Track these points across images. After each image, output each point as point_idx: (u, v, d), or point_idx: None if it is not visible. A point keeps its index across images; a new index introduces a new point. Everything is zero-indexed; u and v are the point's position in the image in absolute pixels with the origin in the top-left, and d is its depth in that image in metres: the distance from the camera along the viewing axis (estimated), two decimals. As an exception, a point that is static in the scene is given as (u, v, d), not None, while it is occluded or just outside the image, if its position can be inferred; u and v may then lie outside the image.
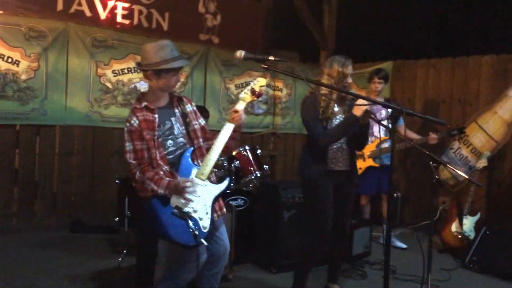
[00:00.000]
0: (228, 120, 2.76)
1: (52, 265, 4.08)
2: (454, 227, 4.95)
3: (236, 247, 3.91)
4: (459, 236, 4.88)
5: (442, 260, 4.72)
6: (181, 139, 2.79)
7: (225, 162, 4.43)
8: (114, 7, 5.62)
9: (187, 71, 6.07)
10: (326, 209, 3.34)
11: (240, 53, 2.48)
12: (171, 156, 2.74)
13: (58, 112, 5.22)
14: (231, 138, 2.74)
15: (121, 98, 5.62)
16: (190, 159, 2.72)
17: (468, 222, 4.91)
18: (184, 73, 6.03)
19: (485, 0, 8.17)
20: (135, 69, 5.55)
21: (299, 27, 7.11)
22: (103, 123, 5.54)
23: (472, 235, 4.81)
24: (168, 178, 2.62)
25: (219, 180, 2.81)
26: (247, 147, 4.55)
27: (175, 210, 2.61)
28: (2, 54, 4.87)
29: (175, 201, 2.62)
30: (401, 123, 4.93)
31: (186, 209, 2.62)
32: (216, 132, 2.77)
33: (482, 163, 5.12)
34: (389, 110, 2.57)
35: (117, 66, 5.58)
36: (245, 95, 2.77)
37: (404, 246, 5.12)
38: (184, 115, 2.83)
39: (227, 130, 2.72)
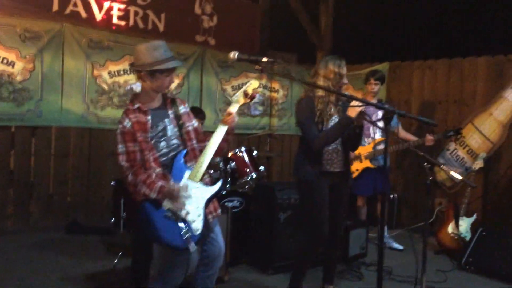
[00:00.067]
0: (221, 122, 2.76)
1: (48, 266, 4.07)
2: (450, 228, 4.95)
3: (232, 249, 3.90)
4: (456, 237, 4.88)
5: (439, 261, 4.72)
6: (175, 141, 2.77)
7: (221, 163, 4.42)
8: (110, 8, 5.61)
9: (184, 72, 6.05)
10: (322, 210, 3.33)
11: (234, 54, 2.48)
12: (164, 158, 2.72)
13: (53, 113, 5.19)
14: (224, 140, 2.74)
15: (117, 100, 5.60)
16: (183, 161, 2.71)
17: (465, 223, 4.91)
18: (181, 74, 6.02)
19: (481, 2, 8.21)
20: (131, 70, 5.53)
21: (296, 28, 7.12)
22: (99, 124, 5.52)
23: (468, 236, 4.81)
24: (160, 182, 2.60)
25: (213, 182, 2.80)
26: (243, 148, 4.53)
27: (168, 213, 2.59)
28: (-3, 55, 4.85)
29: (167, 204, 2.61)
30: (397, 124, 4.93)
31: (178, 212, 2.61)
32: (210, 134, 2.76)
33: (478, 164, 5.14)
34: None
35: (113, 68, 5.56)
36: (238, 98, 2.78)
37: (400, 247, 5.11)
38: (178, 116, 2.80)
39: (220, 132, 2.71)
